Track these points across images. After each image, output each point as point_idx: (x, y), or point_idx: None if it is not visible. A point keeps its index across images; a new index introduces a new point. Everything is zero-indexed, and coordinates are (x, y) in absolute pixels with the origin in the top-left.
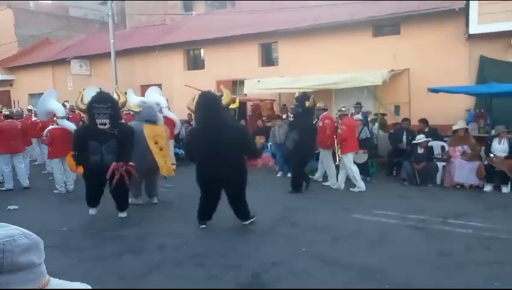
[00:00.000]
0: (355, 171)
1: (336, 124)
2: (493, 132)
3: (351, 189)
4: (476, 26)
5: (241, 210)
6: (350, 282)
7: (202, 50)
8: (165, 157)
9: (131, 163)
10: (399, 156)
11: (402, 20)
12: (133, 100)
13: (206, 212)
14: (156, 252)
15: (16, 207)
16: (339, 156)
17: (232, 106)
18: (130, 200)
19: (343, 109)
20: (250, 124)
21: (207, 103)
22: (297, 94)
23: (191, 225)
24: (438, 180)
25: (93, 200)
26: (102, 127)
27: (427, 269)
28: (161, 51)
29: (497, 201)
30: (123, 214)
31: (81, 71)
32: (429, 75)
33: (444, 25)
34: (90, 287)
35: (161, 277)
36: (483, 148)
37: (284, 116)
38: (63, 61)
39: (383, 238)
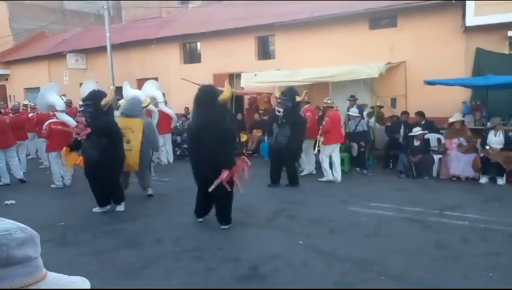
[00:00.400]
0: (325, 161)
1: (317, 117)
2: (489, 124)
3: (319, 179)
4: (472, 18)
5: (223, 212)
6: (347, 273)
7: (199, 43)
8: (131, 151)
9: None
10: (395, 148)
11: (399, 12)
12: (129, 93)
13: (200, 207)
14: (154, 245)
15: (13, 202)
16: (318, 146)
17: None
18: None
19: (329, 102)
20: (247, 118)
21: (199, 99)
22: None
23: (188, 218)
24: (434, 173)
25: (97, 199)
26: None
27: (423, 261)
28: (157, 44)
29: (493, 193)
30: (120, 208)
31: (77, 65)
32: (426, 68)
33: (441, 17)
34: (88, 281)
35: (159, 270)
36: (479, 140)
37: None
38: (59, 55)
39: (379, 230)
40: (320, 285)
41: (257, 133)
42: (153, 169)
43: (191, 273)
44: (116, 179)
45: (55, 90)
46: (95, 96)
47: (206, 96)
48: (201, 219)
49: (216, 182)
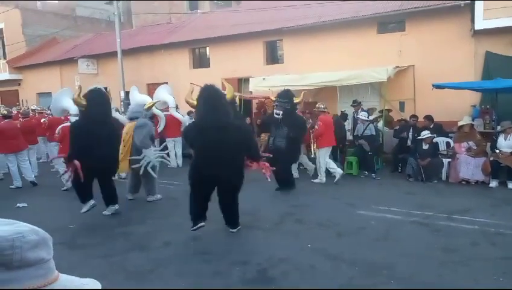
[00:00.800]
0: (322, 164)
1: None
2: (499, 128)
3: (312, 180)
4: (481, 22)
5: (233, 215)
6: (355, 277)
7: (207, 48)
8: (123, 155)
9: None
10: (404, 152)
11: (407, 16)
12: (136, 98)
13: (199, 212)
14: (163, 248)
15: (25, 205)
16: (313, 150)
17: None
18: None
19: (321, 106)
20: (256, 121)
21: (210, 99)
22: (301, 93)
23: None
24: (443, 176)
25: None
26: None
27: (432, 265)
28: (167, 49)
29: (503, 197)
30: (113, 207)
31: (88, 70)
32: (434, 72)
33: (449, 21)
34: (99, 283)
35: (168, 273)
36: (488, 144)
37: None
38: (71, 61)
39: (387, 234)
40: (328, 288)
41: (265, 136)
42: (157, 173)
43: (200, 276)
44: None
45: (69, 95)
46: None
47: (217, 95)
48: (202, 223)
49: (254, 167)
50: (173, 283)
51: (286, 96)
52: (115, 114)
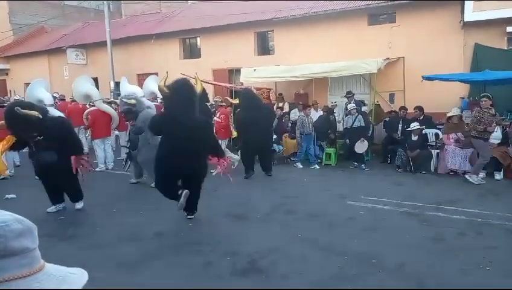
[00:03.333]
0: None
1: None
2: None
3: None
4: (471, 14)
5: (194, 203)
6: (344, 267)
7: (198, 39)
8: None
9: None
10: (393, 143)
11: (397, 8)
12: (127, 89)
13: (171, 197)
14: (154, 239)
15: (14, 196)
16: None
17: (233, 101)
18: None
19: (218, 100)
20: None
21: (186, 95)
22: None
23: None
24: (432, 168)
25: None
26: None
27: (420, 255)
28: (157, 39)
29: (490, 187)
30: (79, 205)
31: (77, 60)
32: (424, 63)
33: (440, 12)
34: (86, 272)
35: (159, 264)
36: None
37: (281, 104)
38: (59, 50)
39: (377, 224)
40: (318, 278)
41: None
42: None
43: (190, 267)
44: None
45: (43, 85)
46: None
47: (192, 91)
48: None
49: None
50: (164, 274)
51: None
52: (101, 105)
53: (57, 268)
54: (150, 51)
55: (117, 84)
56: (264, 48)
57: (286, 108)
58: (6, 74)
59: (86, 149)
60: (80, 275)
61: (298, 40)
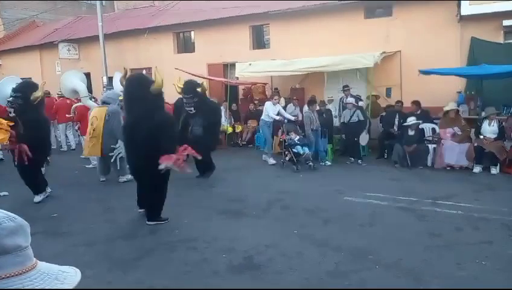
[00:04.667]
0: None
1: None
2: (483, 114)
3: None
4: (467, 7)
5: (150, 207)
6: (341, 263)
7: (192, 33)
8: (95, 138)
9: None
10: (390, 138)
11: (394, 1)
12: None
13: (139, 199)
14: (148, 236)
15: (6, 193)
16: None
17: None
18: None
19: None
20: (242, 108)
21: (128, 93)
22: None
23: (182, 209)
24: (429, 162)
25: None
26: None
27: (417, 250)
28: (150, 34)
29: (487, 182)
30: (37, 198)
31: (69, 55)
32: (421, 57)
33: (436, 6)
34: (79, 271)
35: (154, 261)
36: (473, 130)
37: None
38: (51, 45)
39: (373, 220)
40: (314, 274)
41: (252, 123)
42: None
43: (186, 264)
44: (37, 171)
45: (12, 83)
46: (26, 89)
47: (138, 88)
48: (141, 210)
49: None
50: (159, 271)
51: (190, 91)
52: (87, 101)
53: (49, 266)
54: (144, 46)
55: (110, 79)
56: (260, 42)
57: (282, 103)
58: None
59: (73, 145)
60: (72, 274)
61: (294, 34)
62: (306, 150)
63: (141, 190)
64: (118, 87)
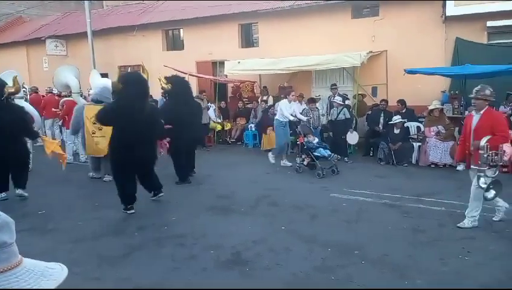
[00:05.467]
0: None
1: None
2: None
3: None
4: (452, 8)
5: (154, 182)
6: (328, 258)
7: (181, 30)
8: (103, 138)
9: None
10: (376, 136)
11: (381, 1)
12: (97, 82)
13: (130, 194)
14: (137, 233)
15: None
16: None
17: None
18: (90, 173)
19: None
20: (231, 106)
21: (139, 87)
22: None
23: (171, 206)
24: (414, 160)
25: None
26: None
27: (401, 245)
28: (139, 31)
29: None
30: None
31: (56, 51)
32: (406, 57)
33: (422, 6)
34: (66, 267)
35: (142, 257)
36: (457, 128)
37: (265, 97)
38: (38, 41)
39: (359, 216)
40: (301, 270)
41: (241, 121)
42: None
43: (174, 260)
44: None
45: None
46: None
47: (144, 84)
48: (133, 211)
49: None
50: (147, 267)
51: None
52: (78, 98)
53: (35, 263)
54: (132, 43)
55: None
56: (248, 40)
57: (270, 101)
58: None
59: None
60: (59, 270)
61: (282, 33)
62: (329, 152)
63: (131, 184)
64: (96, 85)
